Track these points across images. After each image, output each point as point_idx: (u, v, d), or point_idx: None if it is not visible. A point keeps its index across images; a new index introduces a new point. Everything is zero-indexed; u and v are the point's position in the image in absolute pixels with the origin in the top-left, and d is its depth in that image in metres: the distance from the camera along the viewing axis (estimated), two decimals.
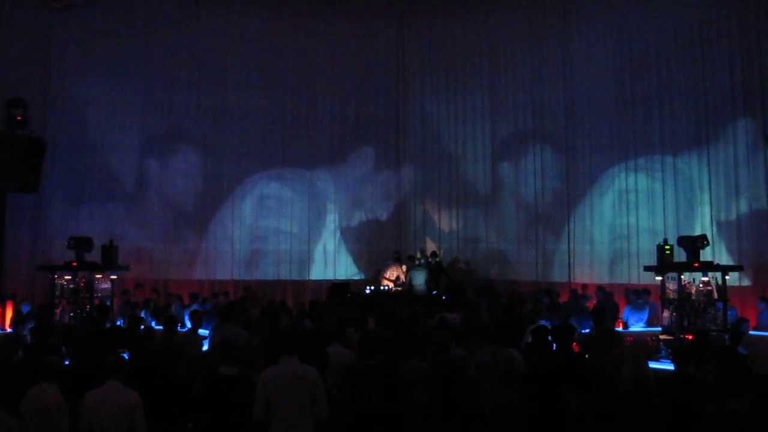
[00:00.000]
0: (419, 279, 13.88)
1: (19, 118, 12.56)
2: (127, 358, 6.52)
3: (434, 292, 13.84)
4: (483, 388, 6.19)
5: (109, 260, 10.73)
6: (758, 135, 12.40)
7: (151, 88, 14.96)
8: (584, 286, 13.14)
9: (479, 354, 6.39)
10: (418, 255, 15.07)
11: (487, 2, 15.90)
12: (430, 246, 16.16)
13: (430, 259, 14.86)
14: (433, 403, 5.99)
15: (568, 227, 14.71)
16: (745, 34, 12.52)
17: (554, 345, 6.90)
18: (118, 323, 10.20)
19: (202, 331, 8.98)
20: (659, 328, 9.86)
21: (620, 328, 10.59)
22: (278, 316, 8.68)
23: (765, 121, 12.32)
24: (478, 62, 16.18)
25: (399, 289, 14.05)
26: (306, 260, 16.03)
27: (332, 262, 16.25)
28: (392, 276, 14.53)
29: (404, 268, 14.59)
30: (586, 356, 7.31)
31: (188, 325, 8.63)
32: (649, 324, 11.14)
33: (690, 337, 8.66)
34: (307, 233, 16.06)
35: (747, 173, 12.56)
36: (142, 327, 8.42)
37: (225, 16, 15.51)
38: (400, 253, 15.31)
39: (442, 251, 15.80)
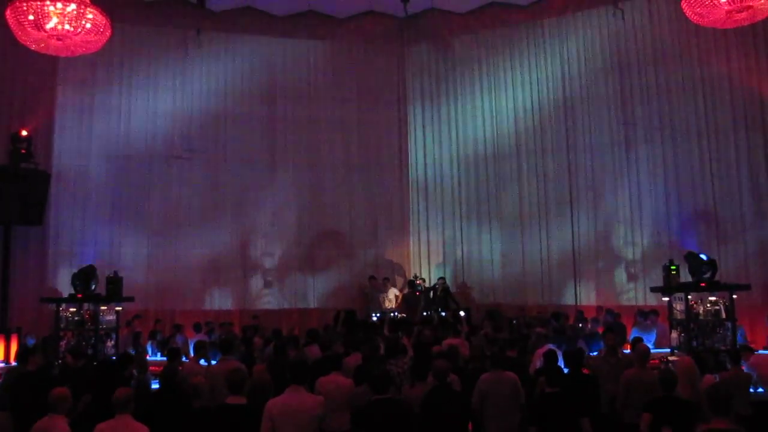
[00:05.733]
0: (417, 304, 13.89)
1: (23, 151, 12.67)
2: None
3: (443, 314, 13.75)
4: (486, 414, 6.12)
5: (114, 292, 10.72)
6: (760, 149, 12.46)
7: (154, 119, 15.01)
8: (599, 308, 13.02)
9: (483, 379, 6.32)
10: (417, 280, 15.04)
11: (485, 22, 16.10)
12: (434, 270, 16.11)
13: (437, 284, 14.80)
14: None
15: (573, 248, 14.64)
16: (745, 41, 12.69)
17: (566, 369, 6.85)
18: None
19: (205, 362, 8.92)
20: (668, 350, 9.76)
21: (628, 350, 10.48)
22: (285, 346, 8.60)
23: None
24: (478, 81, 16.30)
25: (404, 315, 13.96)
26: (311, 287, 15.93)
27: (338, 287, 16.14)
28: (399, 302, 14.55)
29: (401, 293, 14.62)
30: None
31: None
32: (657, 345, 11.02)
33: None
34: (313, 259, 15.96)
35: (750, 188, 12.57)
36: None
37: (227, 44, 15.70)
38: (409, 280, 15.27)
39: (445, 271, 15.77)
